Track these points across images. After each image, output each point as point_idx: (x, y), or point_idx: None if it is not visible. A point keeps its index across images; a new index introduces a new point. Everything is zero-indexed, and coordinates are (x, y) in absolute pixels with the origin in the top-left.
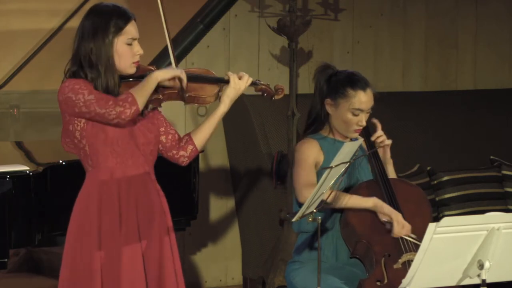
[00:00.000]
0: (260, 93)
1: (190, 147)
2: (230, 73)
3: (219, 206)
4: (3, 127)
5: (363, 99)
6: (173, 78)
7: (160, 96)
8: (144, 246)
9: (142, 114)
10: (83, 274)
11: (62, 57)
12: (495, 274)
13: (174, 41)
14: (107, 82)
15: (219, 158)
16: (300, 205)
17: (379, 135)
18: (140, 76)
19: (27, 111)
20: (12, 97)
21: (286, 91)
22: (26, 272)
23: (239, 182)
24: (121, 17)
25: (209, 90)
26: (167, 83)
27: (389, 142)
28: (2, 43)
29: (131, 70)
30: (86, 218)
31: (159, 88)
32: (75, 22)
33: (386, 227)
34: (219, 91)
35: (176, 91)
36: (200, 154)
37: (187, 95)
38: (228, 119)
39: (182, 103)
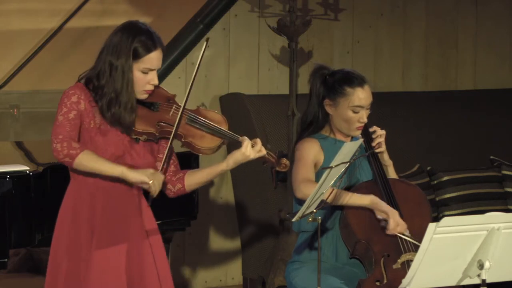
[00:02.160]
0: (262, 160)
1: (178, 185)
2: (245, 138)
3: (219, 206)
4: (3, 127)
5: (361, 95)
6: (141, 184)
7: (156, 132)
8: (121, 251)
9: (137, 140)
10: (51, 283)
11: (62, 57)
12: (495, 274)
13: (174, 41)
14: (120, 103)
15: (219, 158)
16: (300, 202)
17: (376, 129)
18: (149, 103)
19: (27, 111)
20: (12, 97)
21: (286, 91)
22: (26, 272)
23: (239, 182)
24: (146, 44)
25: (208, 142)
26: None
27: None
28: (2, 43)
29: (141, 96)
30: (61, 227)
31: (158, 122)
32: (75, 22)
33: (381, 224)
34: (221, 145)
35: (170, 130)
36: (200, 154)
37: (183, 139)
38: (228, 119)
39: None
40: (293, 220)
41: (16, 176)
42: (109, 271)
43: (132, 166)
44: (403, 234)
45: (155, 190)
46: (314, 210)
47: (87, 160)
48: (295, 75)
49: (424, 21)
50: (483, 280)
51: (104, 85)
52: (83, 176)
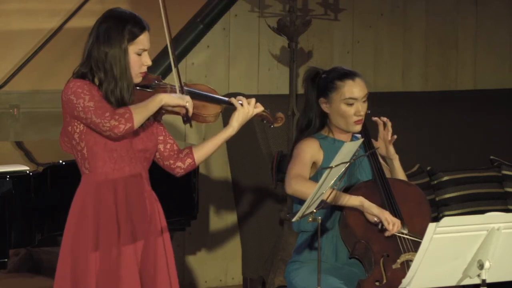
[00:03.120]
0: (260, 118)
1: (188, 160)
2: (240, 98)
3: (219, 206)
4: (3, 127)
5: (353, 87)
6: (178, 106)
7: (162, 110)
8: (139, 247)
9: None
10: (80, 275)
11: (62, 57)
12: (495, 274)
13: (174, 41)
14: (121, 89)
15: (219, 158)
16: (300, 202)
17: (378, 118)
18: (145, 85)
19: (27, 111)
20: (12, 97)
21: (286, 91)
22: (26, 272)
23: (239, 182)
24: (137, 26)
25: (212, 109)
26: (170, 108)
27: (393, 136)
28: (2, 43)
29: (137, 79)
30: (83, 220)
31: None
32: (75, 22)
33: (378, 228)
34: (221, 111)
35: (180, 114)
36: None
37: (190, 115)
38: (228, 119)
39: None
40: (293, 220)
41: (16, 176)
42: (132, 262)
43: (143, 150)
44: (402, 233)
45: (190, 108)
46: (314, 210)
47: (139, 112)
48: (295, 75)
49: (424, 21)
50: (483, 280)
51: (103, 76)
52: (102, 169)
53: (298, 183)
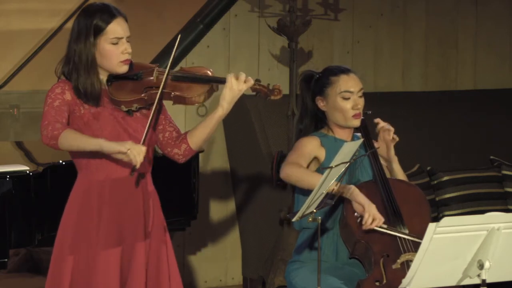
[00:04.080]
0: (254, 93)
1: (184, 145)
2: (229, 74)
3: (219, 206)
4: (3, 127)
5: (348, 81)
6: (119, 153)
7: (145, 96)
8: (125, 249)
9: (130, 113)
10: (55, 278)
11: (62, 57)
12: (495, 274)
13: (174, 41)
14: (86, 83)
15: (219, 158)
16: (302, 192)
17: (379, 122)
18: (134, 74)
19: (27, 111)
20: (12, 97)
21: (286, 91)
22: (26, 272)
23: (239, 182)
24: (103, 17)
25: (196, 89)
26: (114, 155)
27: (395, 136)
28: (2, 43)
29: (121, 69)
30: (68, 221)
31: (145, 88)
32: None
33: (357, 220)
34: (210, 90)
35: (157, 92)
36: (200, 154)
37: (172, 94)
38: (228, 119)
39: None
40: (293, 220)
41: (16, 176)
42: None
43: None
44: (381, 227)
45: (133, 159)
46: (314, 210)
47: (67, 139)
48: (295, 75)
49: (424, 21)
50: (483, 280)
51: (72, 70)
52: (93, 171)
53: (292, 168)
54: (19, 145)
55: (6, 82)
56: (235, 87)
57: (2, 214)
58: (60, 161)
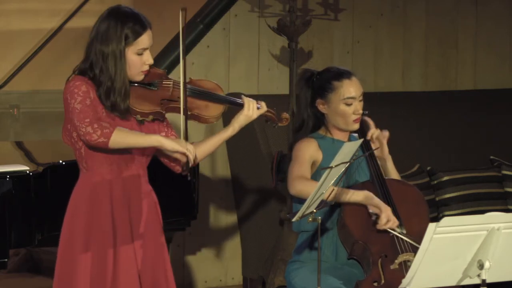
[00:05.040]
0: (264, 119)
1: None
2: (245, 99)
3: (219, 206)
4: (3, 127)
5: (350, 87)
6: (177, 152)
7: (162, 110)
8: (137, 247)
9: (142, 122)
10: (66, 279)
11: (62, 57)
12: (495, 274)
13: (174, 41)
14: (114, 90)
15: (219, 158)
16: (300, 201)
17: (373, 133)
18: (147, 83)
19: (27, 111)
20: (12, 97)
21: (286, 91)
22: (26, 272)
23: (239, 182)
24: (135, 28)
25: (213, 110)
26: (169, 152)
27: (385, 134)
28: (2, 43)
29: (138, 78)
30: (75, 221)
31: (161, 100)
32: (75, 22)
33: (372, 218)
34: (224, 111)
35: (174, 106)
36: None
37: (189, 113)
38: (228, 119)
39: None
40: (293, 220)
41: (16, 176)
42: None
43: (142, 150)
44: (394, 230)
45: (192, 157)
46: (314, 210)
47: (122, 136)
48: (295, 75)
49: (424, 21)
50: (483, 280)
51: (99, 75)
52: (98, 170)
53: (301, 183)
54: (19, 145)
55: (6, 82)
56: (251, 114)
57: (2, 214)
58: (60, 161)
